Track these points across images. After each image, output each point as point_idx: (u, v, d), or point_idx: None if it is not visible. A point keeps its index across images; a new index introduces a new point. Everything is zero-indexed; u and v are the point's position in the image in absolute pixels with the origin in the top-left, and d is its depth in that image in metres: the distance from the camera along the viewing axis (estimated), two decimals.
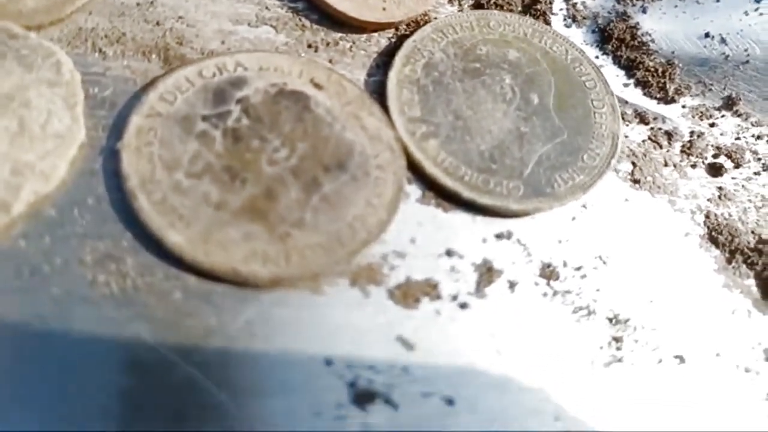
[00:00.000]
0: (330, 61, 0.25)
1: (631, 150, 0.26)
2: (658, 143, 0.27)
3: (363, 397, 0.19)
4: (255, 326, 0.19)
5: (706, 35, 0.28)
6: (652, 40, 0.28)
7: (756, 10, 0.29)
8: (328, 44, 0.25)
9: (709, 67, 0.28)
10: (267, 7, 0.25)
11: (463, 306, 0.21)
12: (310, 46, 0.25)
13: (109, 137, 0.21)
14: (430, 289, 0.21)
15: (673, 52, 0.28)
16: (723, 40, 0.28)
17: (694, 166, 0.27)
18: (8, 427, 0.17)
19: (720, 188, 0.27)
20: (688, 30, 0.29)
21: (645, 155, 0.26)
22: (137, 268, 0.19)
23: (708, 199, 0.26)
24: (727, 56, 0.28)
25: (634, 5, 0.29)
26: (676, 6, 0.29)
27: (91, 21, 0.23)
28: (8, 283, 0.18)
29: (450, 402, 0.20)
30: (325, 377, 0.19)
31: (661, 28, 0.28)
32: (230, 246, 0.20)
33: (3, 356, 0.18)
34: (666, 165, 0.26)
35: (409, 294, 0.21)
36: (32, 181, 0.19)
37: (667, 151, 0.27)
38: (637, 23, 0.28)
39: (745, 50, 0.29)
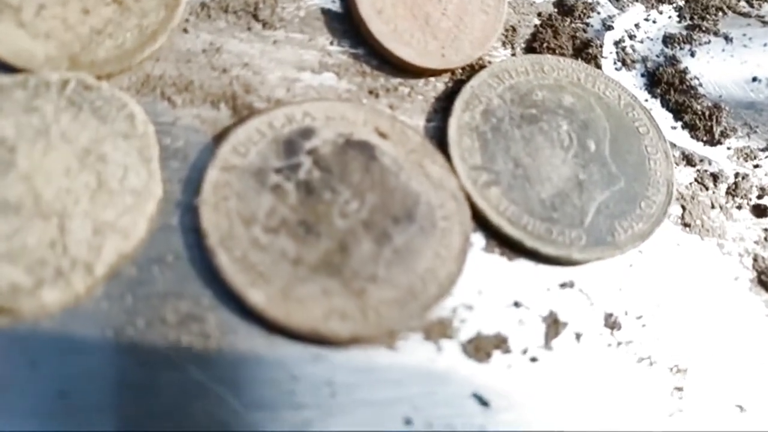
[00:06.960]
0: (390, 107, 0.25)
1: (680, 193, 0.27)
2: (704, 185, 0.27)
3: None
4: (335, 386, 0.19)
5: (754, 79, 0.29)
6: (700, 84, 0.28)
7: None
8: (388, 90, 0.25)
9: (755, 110, 0.29)
10: (329, 54, 0.25)
11: (534, 360, 0.22)
12: (371, 92, 0.25)
13: (184, 191, 0.21)
14: (501, 342, 0.22)
15: (720, 96, 0.28)
16: None
17: (739, 207, 0.27)
18: None
19: (766, 230, 0.27)
20: (735, 74, 0.29)
21: (693, 198, 0.27)
22: (219, 327, 0.19)
23: (755, 242, 0.27)
24: None
25: (682, 49, 0.29)
26: (723, 50, 0.29)
27: (159, 68, 0.22)
28: (94, 345, 0.18)
29: None
30: None
31: (709, 72, 0.29)
32: (309, 303, 0.20)
33: (91, 418, 0.17)
34: (713, 207, 0.27)
35: (480, 348, 0.21)
36: (113, 240, 0.19)
37: (713, 192, 0.27)
38: (686, 67, 0.28)
39: None
